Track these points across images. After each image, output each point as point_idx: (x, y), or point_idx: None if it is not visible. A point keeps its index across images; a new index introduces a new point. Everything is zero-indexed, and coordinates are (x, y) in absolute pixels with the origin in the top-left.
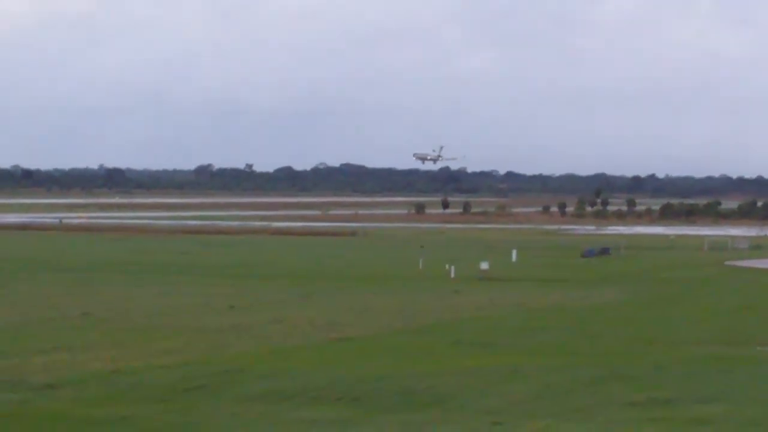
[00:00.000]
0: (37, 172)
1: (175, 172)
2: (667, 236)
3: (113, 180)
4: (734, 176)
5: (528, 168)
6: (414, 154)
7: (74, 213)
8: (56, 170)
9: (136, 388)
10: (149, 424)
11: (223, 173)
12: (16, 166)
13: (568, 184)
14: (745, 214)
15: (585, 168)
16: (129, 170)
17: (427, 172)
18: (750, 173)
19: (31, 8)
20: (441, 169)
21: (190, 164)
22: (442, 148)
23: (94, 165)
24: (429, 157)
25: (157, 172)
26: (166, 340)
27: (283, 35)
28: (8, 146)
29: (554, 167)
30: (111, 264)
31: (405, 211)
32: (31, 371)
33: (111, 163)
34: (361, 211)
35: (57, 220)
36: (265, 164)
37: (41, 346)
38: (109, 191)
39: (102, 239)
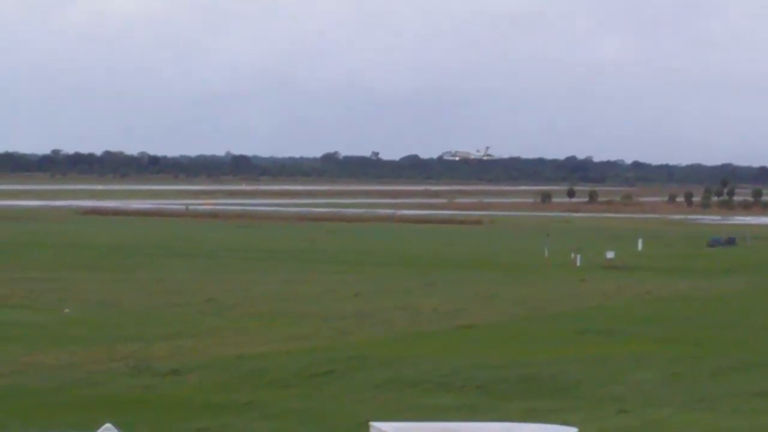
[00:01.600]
0: (164, 158)
1: (301, 159)
2: None
3: (239, 167)
4: None
5: (654, 158)
6: (455, 153)
7: (200, 199)
8: (183, 157)
9: (261, 374)
10: (273, 410)
11: (349, 161)
12: (143, 153)
13: (694, 174)
14: None
15: (711, 158)
16: (255, 157)
17: (553, 161)
18: None
19: None
20: (567, 158)
21: (316, 151)
22: (488, 148)
23: (220, 152)
24: (472, 156)
25: (283, 159)
26: (290, 326)
27: (414, 21)
28: (136, 133)
29: (680, 157)
30: (237, 250)
31: (530, 200)
32: (155, 357)
33: (237, 150)
34: (486, 200)
35: (183, 207)
36: (391, 152)
37: (166, 332)
38: (234, 178)
39: (228, 226)
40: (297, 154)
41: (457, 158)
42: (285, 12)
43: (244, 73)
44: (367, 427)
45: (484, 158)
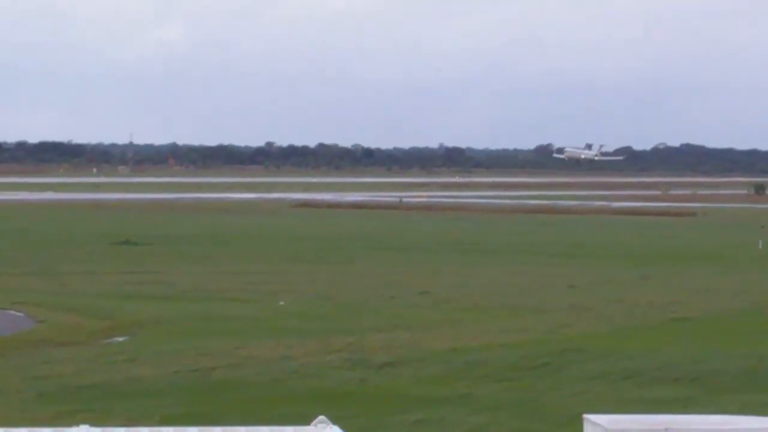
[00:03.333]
0: (378, 151)
1: (515, 151)
2: None
3: (452, 159)
4: None
5: None
6: (564, 152)
7: (413, 192)
8: (396, 149)
9: (476, 366)
10: (490, 402)
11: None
12: (356, 145)
13: None
14: None
15: None
16: (469, 149)
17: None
18: None
19: None
20: None
21: (530, 143)
22: (602, 146)
23: (433, 144)
24: (582, 156)
25: (497, 151)
26: (505, 319)
27: (633, 10)
28: (350, 126)
29: None
30: (450, 243)
31: (743, 191)
32: (370, 349)
33: (451, 142)
34: (700, 192)
35: (397, 199)
36: (606, 144)
37: (380, 324)
38: (448, 170)
39: (441, 218)
40: (510, 146)
41: (565, 158)
42: (502, 2)
43: (459, 64)
44: (581, 420)
45: (596, 158)
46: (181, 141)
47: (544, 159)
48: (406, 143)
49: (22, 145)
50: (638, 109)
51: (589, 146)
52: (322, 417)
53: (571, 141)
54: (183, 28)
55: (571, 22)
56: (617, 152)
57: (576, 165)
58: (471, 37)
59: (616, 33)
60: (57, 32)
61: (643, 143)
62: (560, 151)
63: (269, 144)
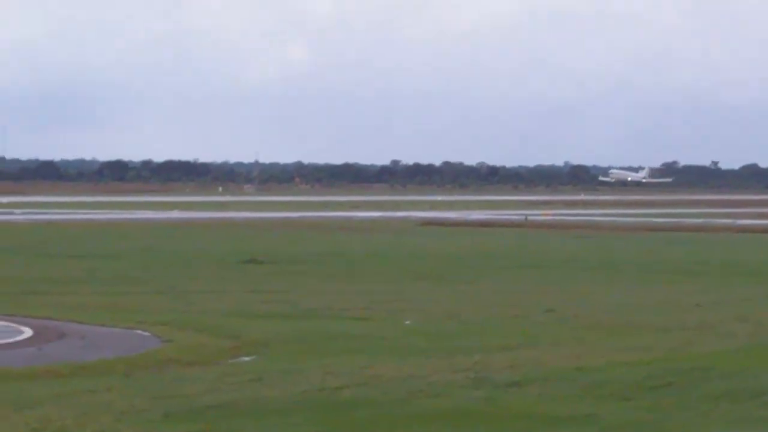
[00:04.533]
0: (503, 168)
1: (639, 168)
2: None
3: (578, 177)
4: None
5: None
6: (610, 174)
7: (539, 209)
8: (521, 167)
9: (601, 385)
10: (615, 422)
11: (689, 170)
12: (481, 163)
13: None
14: None
15: None
16: (594, 167)
17: None
18: None
19: (519, 5)
20: None
21: (654, 161)
22: (651, 170)
23: (559, 162)
24: (630, 179)
25: (622, 168)
26: (630, 337)
27: (761, 29)
28: (475, 144)
29: None
30: (575, 261)
31: None
32: (496, 368)
33: (576, 159)
34: None
35: (522, 217)
36: (730, 161)
37: (506, 343)
38: (573, 188)
39: (566, 236)
40: (635, 164)
41: (611, 180)
42: (628, 20)
43: (585, 81)
44: None
45: (644, 180)
46: (307, 159)
47: (668, 176)
48: (531, 161)
49: (147, 164)
50: (765, 126)
51: (639, 170)
52: None
53: (697, 159)
54: (308, 46)
55: (697, 41)
56: (669, 172)
57: (623, 187)
58: (600, 56)
59: (745, 52)
60: (182, 52)
61: None
62: (606, 173)
63: (395, 162)
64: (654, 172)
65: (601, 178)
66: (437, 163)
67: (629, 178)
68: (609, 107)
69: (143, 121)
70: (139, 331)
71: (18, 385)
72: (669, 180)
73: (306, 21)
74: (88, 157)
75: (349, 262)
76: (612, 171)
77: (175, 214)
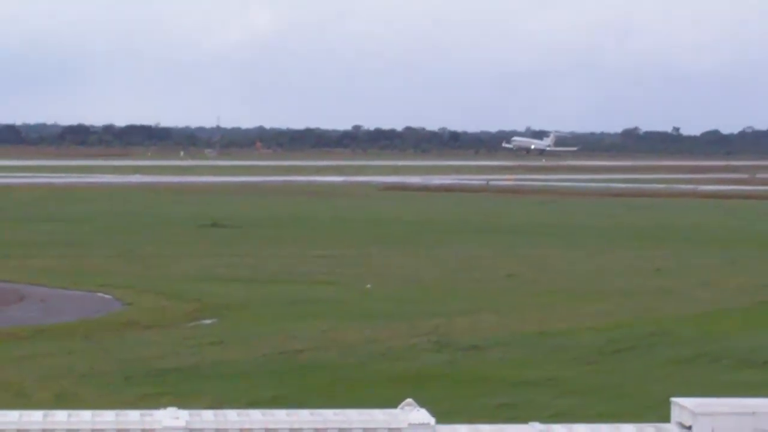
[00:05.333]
0: (464, 134)
1: (601, 134)
2: None
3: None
4: None
5: None
6: (512, 141)
7: (501, 175)
8: (483, 133)
9: (563, 350)
10: (576, 386)
11: (650, 136)
12: (443, 129)
13: None
14: None
15: None
16: (555, 133)
17: None
18: None
19: None
20: None
21: (616, 127)
22: (556, 136)
23: (521, 128)
24: (533, 146)
25: (584, 134)
26: (592, 302)
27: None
28: (437, 109)
29: None
30: (536, 226)
31: None
32: (457, 332)
33: (538, 125)
34: None
35: (484, 182)
36: (691, 127)
37: (467, 307)
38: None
39: (528, 202)
40: (597, 130)
41: (513, 147)
42: None
43: (546, 50)
44: (668, 403)
45: (547, 148)
46: (269, 124)
47: (630, 142)
48: (493, 127)
49: (109, 129)
50: (725, 93)
51: (540, 135)
52: (409, 400)
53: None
54: (270, 12)
55: (660, 10)
56: (571, 142)
57: (525, 155)
58: (563, 25)
59: (705, 20)
60: (144, 17)
61: (730, 127)
62: (508, 140)
63: (356, 127)
64: (559, 140)
65: (504, 145)
66: (399, 128)
67: (532, 146)
68: (571, 73)
69: (105, 85)
70: (101, 294)
71: None
72: (574, 149)
73: None
74: (49, 121)
75: (311, 226)
76: (514, 139)
77: (137, 178)
